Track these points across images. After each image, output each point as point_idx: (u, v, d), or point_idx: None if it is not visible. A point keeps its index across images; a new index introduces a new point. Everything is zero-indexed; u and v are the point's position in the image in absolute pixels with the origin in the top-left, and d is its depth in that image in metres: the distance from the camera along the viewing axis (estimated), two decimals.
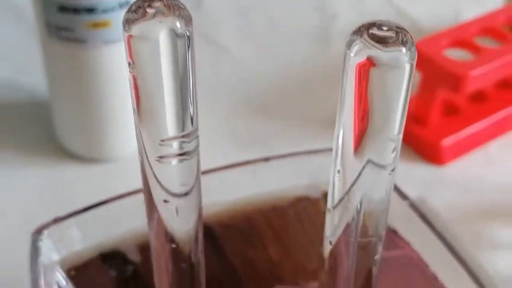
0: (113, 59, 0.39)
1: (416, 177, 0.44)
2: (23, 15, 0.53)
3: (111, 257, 0.30)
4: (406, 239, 0.31)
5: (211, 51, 0.53)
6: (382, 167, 0.19)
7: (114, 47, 0.39)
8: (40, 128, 0.45)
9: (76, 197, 0.41)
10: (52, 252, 0.28)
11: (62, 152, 0.43)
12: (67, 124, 0.43)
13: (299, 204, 0.33)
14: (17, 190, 0.41)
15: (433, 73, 0.44)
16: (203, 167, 0.33)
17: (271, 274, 0.32)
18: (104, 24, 0.38)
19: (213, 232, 0.33)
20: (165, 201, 0.22)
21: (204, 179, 0.32)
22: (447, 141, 0.44)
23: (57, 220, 0.28)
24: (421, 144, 0.45)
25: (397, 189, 0.31)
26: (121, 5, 0.37)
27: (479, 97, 0.47)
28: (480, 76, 0.42)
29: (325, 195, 0.33)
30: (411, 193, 0.41)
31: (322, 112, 0.48)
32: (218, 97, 0.49)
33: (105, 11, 0.37)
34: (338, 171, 0.20)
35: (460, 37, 0.45)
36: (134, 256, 0.30)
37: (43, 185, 0.41)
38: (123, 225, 0.30)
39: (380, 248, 0.22)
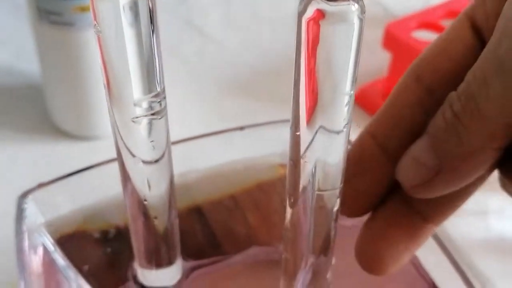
0: None
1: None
2: (20, 1, 0.53)
3: (94, 221, 0.30)
4: None
5: (196, 39, 0.53)
6: (335, 124, 0.19)
7: None
8: (35, 109, 0.45)
9: (67, 171, 0.40)
10: (37, 215, 0.28)
11: (55, 130, 0.43)
12: (59, 104, 0.42)
13: (275, 173, 0.33)
14: (12, 164, 0.41)
15: (402, 53, 0.43)
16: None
17: (247, 237, 0.32)
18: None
19: (200, 209, 0.33)
20: (135, 162, 0.21)
21: (183, 146, 0.32)
22: None
23: (41, 185, 0.28)
24: None
25: None
26: None
27: None
28: None
29: None
30: None
31: None
32: (205, 81, 0.49)
33: None
34: (296, 133, 0.20)
35: (428, 19, 0.45)
36: (116, 219, 0.30)
37: (36, 160, 0.41)
38: (106, 190, 0.30)
39: (338, 200, 0.21)
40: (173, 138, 0.31)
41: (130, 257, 0.29)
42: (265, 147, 0.32)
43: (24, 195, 0.27)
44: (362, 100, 0.45)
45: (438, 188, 0.19)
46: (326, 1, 0.17)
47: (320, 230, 0.22)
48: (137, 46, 0.18)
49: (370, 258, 0.22)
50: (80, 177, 0.29)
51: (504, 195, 0.39)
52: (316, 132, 0.19)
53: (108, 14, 0.18)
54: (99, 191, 0.30)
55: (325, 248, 0.22)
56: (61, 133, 0.43)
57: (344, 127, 0.19)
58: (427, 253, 0.30)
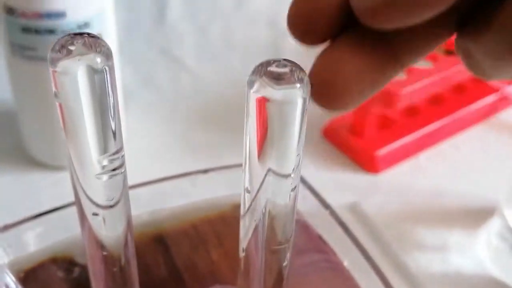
0: None
1: (352, 184, 0.44)
2: None
3: (60, 260, 0.31)
4: (329, 244, 0.31)
5: (171, 66, 0.54)
6: (283, 177, 0.20)
7: None
8: (8, 138, 0.45)
9: (42, 202, 0.41)
10: (1, 255, 0.28)
11: (29, 160, 0.44)
12: (33, 134, 0.43)
13: (237, 211, 0.34)
14: None
15: None
16: (158, 175, 0.33)
17: (211, 275, 0.32)
18: None
19: (165, 240, 0.33)
20: (94, 214, 0.22)
21: (152, 187, 0.33)
22: (381, 151, 0.45)
23: (7, 227, 0.29)
24: (357, 154, 0.46)
25: (321, 199, 0.31)
26: (79, 27, 0.38)
27: (411, 111, 0.49)
28: (411, 93, 0.43)
29: None
30: (348, 198, 0.42)
31: None
32: (177, 109, 0.50)
33: (65, 32, 0.38)
34: (246, 189, 0.21)
35: None
36: (81, 258, 0.31)
37: (11, 191, 0.42)
38: (73, 230, 0.31)
39: (288, 255, 0.22)
40: (142, 174, 0.32)
41: None
42: (229, 189, 0.33)
43: None
44: (329, 134, 0.47)
45: (394, 14, 0.16)
46: (272, 85, 0.18)
47: (272, 270, 0.23)
48: (94, 113, 0.19)
49: (332, 83, 0.18)
50: (49, 217, 0.30)
51: (463, 230, 0.40)
52: (265, 176, 0.20)
53: (67, 86, 0.19)
54: (66, 231, 0.31)
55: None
56: (35, 163, 0.43)
57: (292, 188, 0.21)
58: None
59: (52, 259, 0.30)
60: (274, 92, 0.18)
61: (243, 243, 0.23)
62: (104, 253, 0.24)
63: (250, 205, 0.21)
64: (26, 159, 0.44)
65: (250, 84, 0.19)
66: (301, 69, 0.19)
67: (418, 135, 0.47)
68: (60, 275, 0.30)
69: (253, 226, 0.22)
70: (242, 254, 0.23)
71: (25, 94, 0.41)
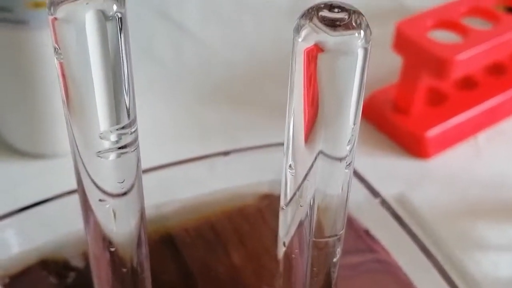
0: None
1: (398, 172, 0.44)
2: None
3: (51, 263, 0.30)
4: (379, 239, 0.31)
5: (172, 33, 0.54)
6: (336, 159, 0.20)
7: None
8: None
9: (21, 196, 0.41)
10: None
11: (6, 148, 0.43)
12: (8, 117, 0.43)
13: (263, 202, 0.33)
14: None
15: (415, 57, 0.44)
16: (164, 161, 0.33)
17: (231, 279, 0.32)
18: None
19: (173, 240, 0.33)
20: (100, 200, 0.22)
21: (159, 174, 0.32)
22: (432, 132, 0.45)
23: None
24: (404, 136, 0.45)
25: (368, 186, 0.31)
26: None
27: (467, 84, 0.48)
28: (468, 60, 0.43)
29: None
30: (392, 189, 0.42)
31: None
32: (181, 84, 0.50)
33: None
34: (290, 166, 0.21)
35: (447, 17, 0.46)
36: (77, 261, 0.31)
37: None
38: (65, 226, 0.31)
39: (338, 250, 0.22)
40: (146, 160, 0.31)
41: None
42: (252, 175, 0.33)
43: None
44: (369, 112, 0.46)
45: None
46: (326, 30, 0.17)
47: (319, 273, 0.23)
48: (104, 73, 0.19)
49: None
50: (35, 212, 0.30)
51: None
52: (316, 161, 0.20)
53: (72, 38, 0.18)
54: (57, 228, 0.30)
55: None
56: (12, 151, 0.43)
57: (347, 165, 0.20)
58: None
59: (41, 262, 0.30)
60: (330, 39, 0.17)
61: (284, 240, 0.22)
62: (113, 253, 0.23)
63: (294, 194, 0.21)
64: (2, 146, 0.44)
65: (297, 30, 0.18)
66: (360, 14, 0.18)
67: (476, 112, 0.47)
68: (52, 280, 0.30)
69: (297, 220, 0.21)
70: (282, 254, 0.23)
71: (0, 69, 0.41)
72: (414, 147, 0.45)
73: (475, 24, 0.46)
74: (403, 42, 0.44)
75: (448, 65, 0.42)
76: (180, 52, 0.52)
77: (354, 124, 0.19)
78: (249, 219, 0.34)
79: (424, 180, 0.44)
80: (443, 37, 0.45)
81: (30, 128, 0.42)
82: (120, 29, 0.19)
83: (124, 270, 0.24)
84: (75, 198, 0.31)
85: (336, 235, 0.21)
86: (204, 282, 0.32)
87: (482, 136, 0.47)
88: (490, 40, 0.44)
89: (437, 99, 0.47)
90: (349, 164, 0.20)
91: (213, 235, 0.33)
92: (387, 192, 0.41)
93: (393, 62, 0.47)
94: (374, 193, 0.31)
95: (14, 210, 0.30)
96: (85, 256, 0.31)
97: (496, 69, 0.49)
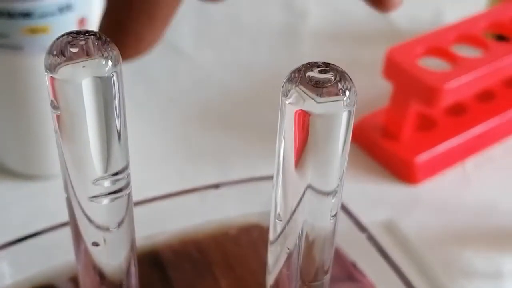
0: None
1: (387, 197, 0.45)
2: None
3: None
4: (364, 271, 0.32)
5: (166, 53, 0.54)
6: (324, 194, 0.21)
7: None
8: None
9: (12, 219, 0.41)
10: None
11: None
12: (2, 138, 0.43)
13: (251, 233, 0.34)
14: None
15: (405, 84, 0.45)
16: (155, 188, 0.34)
17: None
18: (42, 30, 0.39)
19: (160, 261, 0.34)
20: (94, 243, 0.23)
21: (151, 206, 0.33)
22: (421, 158, 0.46)
23: None
24: (393, 161, 0.46)
25: (356, 221, 0.32)
26: (60, 10, 0.38)
27: (457, 110, 0.49)
28: (457, 88, 0.44)
29: None
30: (381, 215, 0.43)
31: None
32: (173, 106, 0.50)
33: (43, 15, 0.38)
34: (278, 215, 0.21)
35: (437, 44, 0.47)
36: None
37: None
38: (56, 257, 0.31)
39: (327, 281, 0.23)
40: (136, 184, 0.32)
41: None
42: (242, 207, 0.33)
43: None
44: (358, 137, 0.47)
45: None
46: (313, 97, 0.18)
47: None
48: (98, 126, 0.20)
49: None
50: (29, 243, 0.30)
51: None
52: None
53: (69, 95, 0.19)
54: (50, 259, 0.31)
55: None
56: (5, 171, 0.44)
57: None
58: None
59: None
60: (317, 106, 0.18)
61: (272, 275, 0.23)
62: (103, 284, 0.24)
63: (284, 228, 0.22)
64: None
65: (285, 93, 0.19)
66: (345, 74, 0.19)
67: (465, 138, 0.47)
68: None
69: (285, 255, 0.22)
70: (269, 285, 0.24)
71: None
72: (403, 172, 0.46)
73: (465, 51, 0.47)
74: (393, 69, 0.45)
75: (438, 94, 0.43)
76: (173, 73, 0.53)
77: (341, 169, 0.20)
78: (237, 248, 0.35)
79: (412, 206, 0.44)
80: (433, 64, 0.46)
81: (23, 150, 0.43)
82: (115, 88, 0.20)
83: None
84: (64, 231, 0.32)
85: (324, 274, 0.22)
86: None
87: (470, 162, 0.48)
88: (479, 68, 0.45)
89: (426, 124, 0.48)
90: (336, 208, 0.21)
91: (201, 259, 0.34)
92: (375, 218, 0.42)
93: (383, 85, 0.47)
94: (361, 227, 0.32)
95: (5, 243, 0.30)
96: (75, 284, 0.31)
97: (485, 96, 0.50)
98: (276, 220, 0.22)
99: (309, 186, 0.20)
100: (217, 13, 0.58)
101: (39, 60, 0.39)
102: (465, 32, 0.48)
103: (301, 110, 0.18)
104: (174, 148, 0.47)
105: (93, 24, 0.40)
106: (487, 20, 0.49)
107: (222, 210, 0.33)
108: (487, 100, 0.50)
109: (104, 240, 0.23)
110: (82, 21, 0.40)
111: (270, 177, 0.34)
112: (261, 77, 0.53)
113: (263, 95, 0.51)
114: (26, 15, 0.38)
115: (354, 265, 0.32)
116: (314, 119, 0.18)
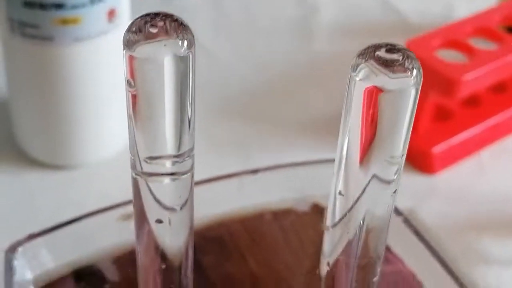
0: (82, 59, 0.41)
1: (405, 187, 0.45)
2: None
3: (85, 276, 0.32)
4: (399, 255, 0.33)
5: None
6: (386, 183, 0.21)
7: (84, 45, 0.40)
8: None
9: (39, 209, 0.42)
10: (25, 270, 0.30)
11: (22, 157, 0.45)
12: (29, 128, 0.44)
13: (285, 218, 0.35)
14: None
15: (424, 76, 0.46)
16: None
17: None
18: (74, 21, 0.39)
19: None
20: (157, 220, 0.24)
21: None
22: (438, 148, 0.47)
23: (31, 237, 0.30)
24: (411, 152, 0.46)
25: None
26: (92, 1, 0.39)
27: (472, 101, 0.50)
28: (474, 80, 0.45)
29: (314, 209, 0.35)
30: (400, 204, 0.44)
31: (305, 115, 0.50)
32: None
33: (75, 7, 0.39)
34: (340, 192, 0.22)
35: (453, 37, 0.48)
36: (110, 274, 0.32)
37: (3, 193, 0.43)
38: (98, 242, 0.32)
39: (378, 269, 0.24)
40: None
41: None
42: (278, 193, 0.34)
43: (13, 249, 0.29)
44: None
45: None
46: (385, 72, 0.19)
47: None
48: (173, 105, 0.21)
49: None
50: (72, 228, 0.31)
51: None
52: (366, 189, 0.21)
53: (148, 75, 0.20)
54: (92, 243, 0.32)
55: None
56: (29, 160, 0.45)
57: (393, 193, 0.22)
58: None
59: (77, 274, 0.32)
60: (389, 82, 0.19)
61: (329, 258, 0.24)
62: (163, 265, 0.25)
63: (345, 215, 0.23)
64: (19, 156, 0.45)
65: (355, 69, 0.20)
66: (412, 55, 0.20)
67: (481, 129, 0.49)
68: None
69: (345, 240, 0.23)
70: (324, 273, 0.24)
71: (22, 80, 0.42)
72: (420, 162, 0.47)
73: (479, 44, 0.48)
74: None
75: (456, 85, 0.44)
76: None
77: (402, 155, 0.21)
78: (269, 233, 0.35)
79: (431, 196, 0.45)
80: (449, 56, 0.47)
81: (49, 140, 0.44)
82: (190, 68, 0.20)
83: (172, 286, 0.26)
84: (106, 216, 0.33)
85: (379, 256, 0.23)
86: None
87: (486, 153, 0.49)
88: (495, 61, 0.46)
89: (443, 116, 0.49)
90: (394, 192, 0.22)
91: (231, 243, 0.35)
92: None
93: None
94: (397, 211, 0.33)
95: (52, 227, 0.31)
96: (117, 269, 0.32)
97: (499, 88, 0.51)
98: (336, 204, 0.23)
99: (374, 175, 0.21)
100: (232, 6, 0.59)
101: (69, 50, 0.40)
102: (480, 25, 0.49)
103: (373, 86, 0.19)
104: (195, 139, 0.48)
105: (122, 15, 0.41)
106: (501, 13, 0.51)
107: (259, 195, 0.34)
108: (501, 92, 0.51)
109: (169, 221, 0.24)
110: (111, 12, 0.40)
111: (307, 163, 0.35)
112: (276, 69, 0.54)
113: (279, 88, 0.52)
114: (58, 6, 0.39)
115: (389, 249, 0.33)
116: (385, 96, 0.19)
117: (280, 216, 0.35)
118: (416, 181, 0.46)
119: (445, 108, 0.49)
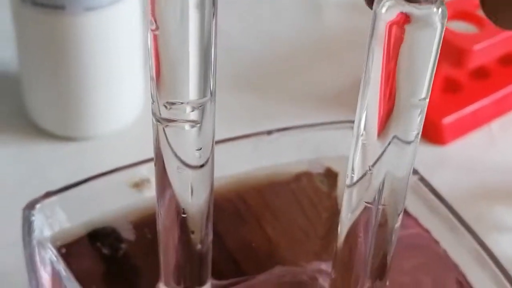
0: (94, 28, 0.41)
1: (417, 157, 0.46)
2: None
3: (102, 235, 0.32)
4: (414, 214, 0.33)
5: None
6: (407, 143, 0.21)
7: (96, 14, 0.40)
8: (10, 103, 0.46)
9: (51, 180, 0.42)
10: (43, 227, 0.30)
11: (33, 128, 0.45)
12: (40, 100, 0.44)
13: (299, 180, 0.35)
14: None
15: None
16: None
17: (268, 255, 0.34)
18: None
19: None
20: (178, 168, 0.24)
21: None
22: (448, 119, 0.47)
23: (48, 195, 0.30)
24: None
25: None
26: None
27: (482, 73, 0.50)
28: (485, 49, 0.45)
29: (328, 171, 0.35)
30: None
31: (314, 89, 0.50)
32: None
33: None
34: (363, 143, 0.22)
35: (464, 8, 0.48)
36: (126, 234, 0.32)
37: (15, 165, 0.43)
38: (115, 202, 0.32)
39: (398, 228, 0.24)
40: None
41: (145, 277, 0.31)
42: (293, 154, 0.34)
43: (31, 206, 0.29)
44: None
45: None
46: (411, 4, 0.19)
47: (379, 252, 0.24)
48: (199, 46, 0.21)
49: None
50: (88, 186, 0.31)
51: None
52: (389, 143, 0.21)
53: (172, 13, 0.20)
54: (108, 203, 0.32)
55: (382, 271, 0.25)
56: (40, 132, 0.45)
57: (415, 137, 0.22)
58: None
59: (95, 233, 0.32)
60: (416, 11, 0.19)
61: (346, 223, 0.24)
62: (183, 223, 0.25)
63: (361, 177, 0.22)
64: (30, 127, 0.45)
65: (379, 2, 0.19)
66: None
67: (491, 100, 0.49)
68: (105, 251, 0.31)
69: (363, 204, 0.23)
70: (344, 233, 0.24)
71: (33, 50, 0.42)
72: (431, 133, 0.47)
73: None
74: None
75: (466, 55, 0.44)
76: None
77: (426, 98, 0.21)
78: (283, 196, 0.35)
79: (442, 166, 0.46)
80: (460, 27, 0.47)
81: (59, 109, 0.44)
82: (214, 12, 0.20)
83: (196, 246, 0.25)
84: (122, 175, 0.33)
85: (398, 213, 0.23)
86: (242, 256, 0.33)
87: (496, 124, 0.49)
88: (505, 31, 0.46)
89: (452, 88, 0.49)
90: (417, 135, 0.22)
91: (246, 210, 0.35)
92: None
93: None
94: (413, 170, 0.33)
95: (68, 185, 0.31)
96: (135, 230, 0.32)
97: (509, 60, 0.51)
98: (354, 167, 0.23)
99: (395, 137, 0.21)
100: None
101: (80, 19, 0.40)
102: None
103: (400, 16, 0.19)
104: None
105: None
106: None
107: (273, 157, 0.34)
108: (510, 64, 0.51)
109: (192, 180, 0.23)
110: None
111: (323, 124, 0.35)
112: (286, 45, 0.54)
113: (288, 62, 0.52)
114: None
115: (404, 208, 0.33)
116: (412, 27, 0.19)
117: (295, 179, 0.35)
118: (427, 152, 0.46)
119: (455, 80, 0.49)
